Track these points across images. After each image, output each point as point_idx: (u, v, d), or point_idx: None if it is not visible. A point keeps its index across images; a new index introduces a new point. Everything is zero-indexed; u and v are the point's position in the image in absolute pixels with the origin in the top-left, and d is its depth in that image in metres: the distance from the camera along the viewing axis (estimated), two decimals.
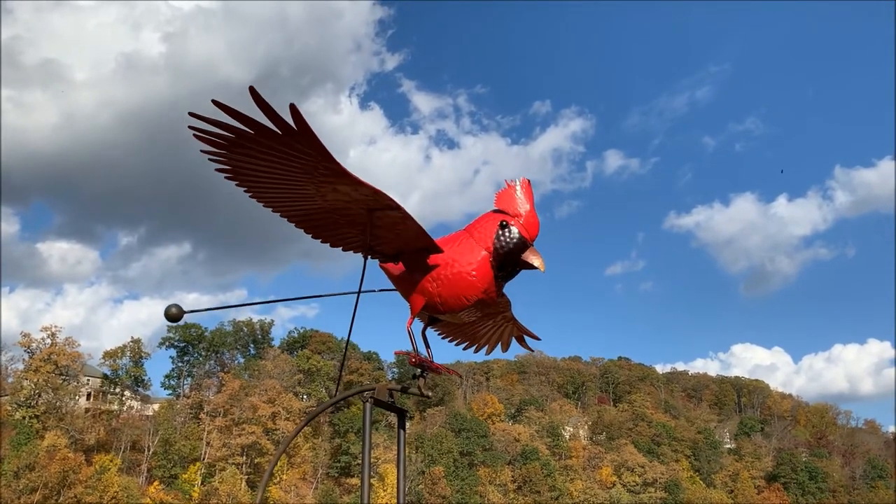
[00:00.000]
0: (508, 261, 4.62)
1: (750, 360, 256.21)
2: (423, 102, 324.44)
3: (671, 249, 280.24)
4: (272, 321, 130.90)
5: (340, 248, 4.97)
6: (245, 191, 4.45)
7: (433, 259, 4.69)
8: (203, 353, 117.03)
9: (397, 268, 5.05)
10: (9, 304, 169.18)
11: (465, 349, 6.27)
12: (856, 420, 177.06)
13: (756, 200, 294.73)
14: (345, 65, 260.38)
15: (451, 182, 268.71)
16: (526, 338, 6.36)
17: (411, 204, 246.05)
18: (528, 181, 4.88)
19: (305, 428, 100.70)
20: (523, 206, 4.73)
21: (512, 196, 4.79)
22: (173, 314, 5.07)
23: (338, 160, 4.15)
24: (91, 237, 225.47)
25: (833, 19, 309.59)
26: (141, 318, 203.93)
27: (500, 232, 4.63)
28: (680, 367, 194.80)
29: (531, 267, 4.65)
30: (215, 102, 3.83)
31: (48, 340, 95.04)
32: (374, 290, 5.39)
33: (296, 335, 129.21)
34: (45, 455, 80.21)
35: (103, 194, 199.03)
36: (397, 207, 4.41)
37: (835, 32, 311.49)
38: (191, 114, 3.98)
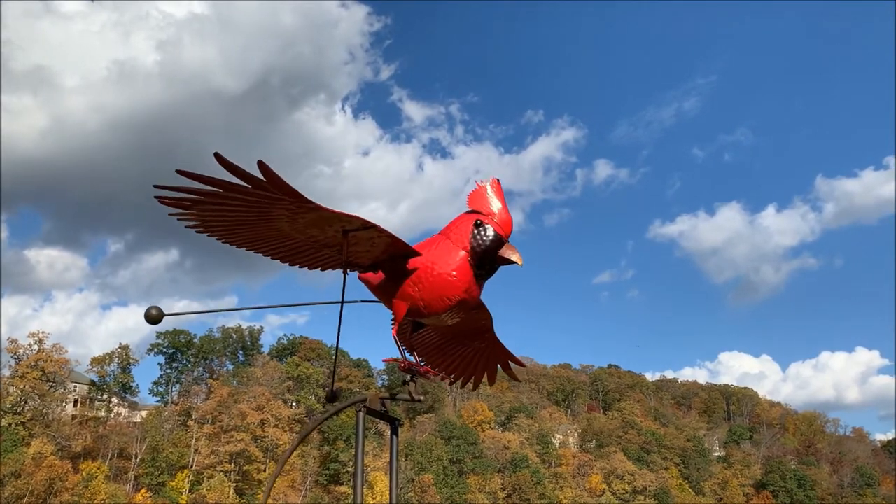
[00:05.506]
0: (486, 258, 4.69)
1: (738, 368, 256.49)
2: (416, 111, 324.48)
3: (657, 258, 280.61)
4: (261, 328, 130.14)
5: (319, 269, 4.99)
6: (217, 238, 4.47)
7: (412, 263, 4.72)
8: (192, 360, 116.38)
9: (377, 277, 5.05)
10: None
11: (451, 384, 6.20)
12: (843, 428, 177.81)
13: (742, 210, 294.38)
14: (339, 75, 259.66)
15: (442, 191, 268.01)
16: (512, 365, 6.30)
17: (400, 212, 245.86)
18: (498, 181, 4.94)
19: (294, 435, 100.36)
20: (495, 204, 4.80)
21: (483, 196, 4.85)
22: (153, 315, 5.09)
23: (311, 199, 4.14)
24: (79, 244, 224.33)
25: (824, 28, 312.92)
26: (129, 325, 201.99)
27: (476, 231, 4.70)
28: (669, 374, 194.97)
29: (509, 262, 4.72)
30: (180, 172, 3.84)
31: (35, 347, 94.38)
32: (357, 301, 5.43)
33: (285, 342, 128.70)
34: (32, 462, 79.46)
35: (92, 200, 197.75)
36: (373, 226, 4.42)
37: (826, 40, 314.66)
38: (155, 185, 3.97)
